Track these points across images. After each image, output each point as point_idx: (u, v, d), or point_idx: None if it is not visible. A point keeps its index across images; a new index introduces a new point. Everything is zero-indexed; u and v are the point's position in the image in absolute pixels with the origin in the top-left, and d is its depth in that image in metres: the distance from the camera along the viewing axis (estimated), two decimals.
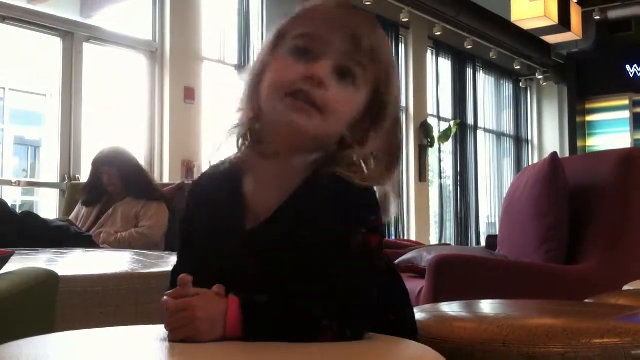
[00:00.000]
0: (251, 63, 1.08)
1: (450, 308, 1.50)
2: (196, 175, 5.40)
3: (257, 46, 6.54)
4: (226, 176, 1.06)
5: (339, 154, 1.00)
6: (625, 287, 2.06)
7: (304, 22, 1.03)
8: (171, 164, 5.51)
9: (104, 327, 1.06)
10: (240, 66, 6.40)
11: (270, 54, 1.03)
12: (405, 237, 7.97)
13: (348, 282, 0.96)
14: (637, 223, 2.62)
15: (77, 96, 5.18)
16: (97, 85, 5.50)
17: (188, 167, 5.54)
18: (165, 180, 5.24)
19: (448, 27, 8.49)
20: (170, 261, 2.32)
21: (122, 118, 5.72)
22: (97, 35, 5.38)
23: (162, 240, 3.44)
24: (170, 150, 5.53)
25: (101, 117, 5.61)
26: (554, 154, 2.85)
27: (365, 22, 1.06)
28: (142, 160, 4.50)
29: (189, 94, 5.63)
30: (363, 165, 1.00)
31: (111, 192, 3.54)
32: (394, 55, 7.99)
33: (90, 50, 5.35)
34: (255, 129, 1.04)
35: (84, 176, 4.49)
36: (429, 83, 8.82)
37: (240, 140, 1.06)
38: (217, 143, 1.09)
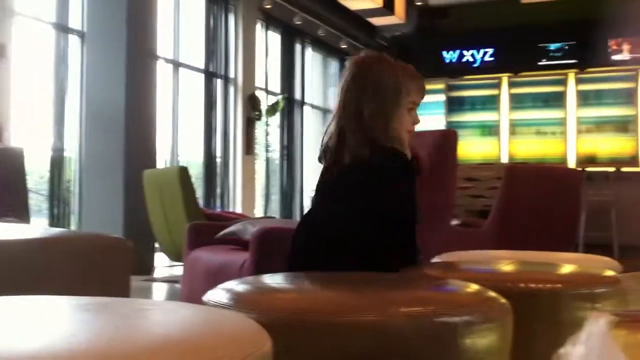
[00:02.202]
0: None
1: (272, 280, 1.52)
2: (7, 139, 5.01)
3: (77, 4, 6.17)
4: None
5: None
6: (434, 260, 2.20)
7: (412, 92, 2.06)
8: None
9: None
10: (59, 25, 6.02)
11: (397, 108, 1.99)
12: (231, 210, 7.98)
13: None
14: (446, 200, 2.80)
15: None
16: None
17: None
18: None
19: (278, 1, 8.53)
20: None
21: None
22: None
23: None
24: None
25: None
26: None
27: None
28: None
29: None
30: None
31: None
32: (232, 31, 7.97)
33: None
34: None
35: None
36: (258, 56, 8.83)
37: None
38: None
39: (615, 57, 9.82)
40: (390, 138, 1.91)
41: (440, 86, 10.60)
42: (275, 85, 9.34)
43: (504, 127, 10.53)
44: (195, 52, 7.79)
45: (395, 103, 1.94)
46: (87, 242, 1.80)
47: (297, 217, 9.42)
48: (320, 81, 10.80)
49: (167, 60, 7.27)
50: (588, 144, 10.01)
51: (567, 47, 10.09)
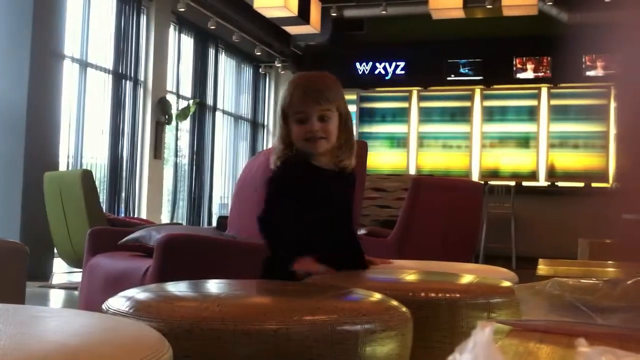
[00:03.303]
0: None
1: (176, 288, 1.50)
2: None
3: None
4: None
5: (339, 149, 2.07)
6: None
7: (295, 104, 2.02)
8: None
9: None
10: None
11: (285, 125, 2.05)
12: (136, 215, 7.80)
13: None
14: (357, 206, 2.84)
15: None
16: None
17: None
18: None
19: (192, 4, 8.44)
20: None
21: None
22: None
23: None
24: None
25: None
26: None
27: (324, 82, 2.08)
28: None
29: None
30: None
31: None
32: (143, 32, 7.81)
33: None
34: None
35: None
36: (169, 59, 8.70)
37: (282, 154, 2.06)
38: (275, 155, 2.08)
39: (520, 76, 10.23)
40: (295, 147, 2.06)
41: (353, 97, 10.74)
42: (187, 89, 9.23)
43: (412, 139, 10.77)
44: (104, 53, 7.60)
45: (284, 114, 2.05)
46: None
47: (206, 224, 9.31)
48: (234, 87, 10.75)
49: (74, 60, 7.06)
50: (491, 158, 10.38)
51: (474, 64, 10.44)
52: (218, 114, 10.03)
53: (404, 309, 1.41)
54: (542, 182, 9.99)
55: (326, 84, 2.08)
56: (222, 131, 10.31)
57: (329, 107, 2.01)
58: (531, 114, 10.21)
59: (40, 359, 0.79)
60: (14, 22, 5.88)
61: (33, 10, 5.85)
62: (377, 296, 1.47)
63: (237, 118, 10.75)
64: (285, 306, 1.31)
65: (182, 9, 8.30)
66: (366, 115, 11.05)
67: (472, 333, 0.51)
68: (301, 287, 1.64)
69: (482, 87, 10.47)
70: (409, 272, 2.00)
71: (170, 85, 8.73)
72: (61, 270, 5.83)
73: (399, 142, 10.87)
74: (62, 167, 6.54)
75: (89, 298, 3.15)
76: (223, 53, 10.19)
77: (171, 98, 8.63)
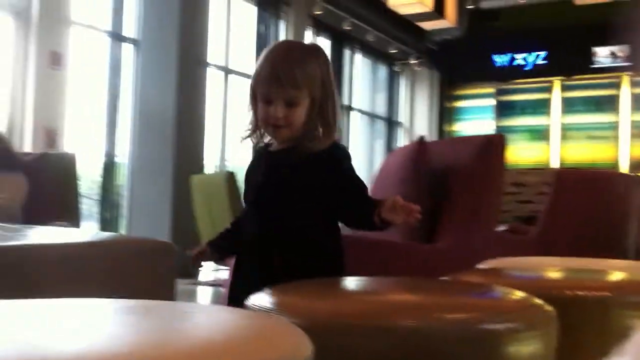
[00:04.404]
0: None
1: (313, 284, 1.53)
2: (60, 145, 5.17)
3: (132, 14, 6.32)
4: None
5: (305, 136, 1.77)
6: (479, 266, 2.17)
7: (262, 82, 1.74)
8: (33, 132, 5.23)
9: None
10: (114, 33, 6.17)
11: (254, 100, 1.79)
12: None
13: None
14: (492, 206, 2.77)
15: None
16: None
17: (51, 136, 5.28)
18: (27, 149, 4.97)
19: (328, 6, 8.55)
20: (28, 235, 2.21)
21: None
22: None
23: (20, 213, 3.28)
24: (32, 117, 5.25)
25: None
26: (421, 137, 2.95)
27: (297, 62, 1.74)
28: (1, 128, 4.24)
29: (55, 60, 5.36)
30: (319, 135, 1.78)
31: None
32: (282, 37, 8.00)
33: None
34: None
35: None
36: None
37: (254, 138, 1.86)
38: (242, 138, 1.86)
39: None
40: (261, 132, 1.85)
41: (490, 90, 10.47)
42: None
43: (554, 131, 10.34)
44: (245, 59, 7.87)
45: (252, 92, 1.79)
46: (134, 246, 1.84)
47: None
48: (369, 87, 10.79)
49: (217, 67, 7.36)
50: None
51: (620, 49, 9.86)
52: (354, 114, 10.11)
53: (548, 307, 1.35)
54: None
55: (300, 62, 1.75)
56: (358, 130, 10.38)
57: (296, 94, 1.73)
58: None
59: (186, 352, 0.83)
60: (162, 32, 6.22)
61: (179, 21, 6.17)
62: (519, 294, 1.42)
63: (372, 117, 10.78)
64: (424, 303, 1.29)
65: (319, 12, 8.43)
66: (505, 109, 10.73)
67: (630, 334, 0.48)
68: (441, 284, 1.62)
69: (630, 73, 9.87)
70: (553, 268, 1.92)
71: None
72: (208, 268, 6.09)
73: (540, 134, 10.47)
74: (209, 170, 6.84)
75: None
76: (358, 53, 10.25)
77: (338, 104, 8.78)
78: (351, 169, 1.80)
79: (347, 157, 1.81)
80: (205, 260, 1.93)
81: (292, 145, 1.78)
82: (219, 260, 1.91)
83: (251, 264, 1.80)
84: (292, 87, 1.72)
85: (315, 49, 1.84)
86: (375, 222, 1.67)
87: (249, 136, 1.85)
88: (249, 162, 1.92)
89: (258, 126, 1.82)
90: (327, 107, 1.79)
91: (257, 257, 1.78)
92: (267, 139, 1.86)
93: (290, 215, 1.76)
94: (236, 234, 1.93)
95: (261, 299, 1.32)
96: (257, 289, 1.37)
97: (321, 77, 1.78)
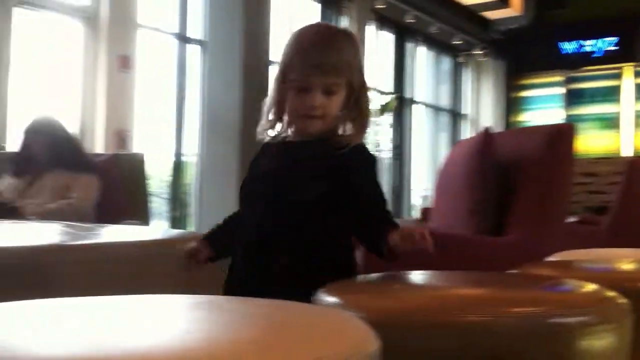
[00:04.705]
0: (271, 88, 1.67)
1: (379, 279, 1.52)
2: (130, 145, 5.31)
3: (196, 15, 6.43)
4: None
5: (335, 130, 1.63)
6: (549, 259, 2.13)
7: (296, 69, 1.58)
8: (105, 134, 5.39)
9: (32, 299, 1.04)
10: (180, 35, 6.29)
11: (282, 87, 1.62)
12: None
13: None
14: (561, 197, 2.71)
15: (4, 63, 4.99)
16: (28, 52, 5.32)
17: (121, 137, 5.43)
18: (98, 150, 5.13)
19: (391, 0, 8.51)
20: (100, 233, 2.28)
21: (54, 87, 5.55)
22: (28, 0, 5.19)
23: (93, 211, 3.38)
24: (104, 120, 5.41)
25: (32, 86, 5.43)
26: (487, 128, 2.91)
27: (336, 45, 1.60)
28: (74, 130, 4.39)
29: (124, 63, 5.50)
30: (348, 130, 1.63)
31: (41, 162, 3.44)
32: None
33: (20, 15, 5.16)
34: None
35: (10, 146, 4.35)
36: (370, 57, 8.84)
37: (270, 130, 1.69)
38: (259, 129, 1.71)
39: None
40: (288, 124, 1.67)
41: (558, 79, 10.23)
42: (386, 84, 9.32)
43: (625, 119, 10.01)
44: None
45: (280, 81, 1.62)
46: None
47: (406, 216, 9.36)
48: (432, 79, 10.68)
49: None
50: None
51: None
52: (417, 107, 10.03)
53: (622, 299, 1.31)
54: None
55: (339, 46, 1.61)
56: (422, 123, 10.29)
57: (336, 81, 1.58)
58: None
59: (252, 346, 0.84)
60: (227, 33, 6.32)
61: (243, 22, 6.25)
62: (591, 286, 1.38)
63: (436, 109, 10.66)
64: (492, 297, 1.28)
65: (381, 6, 8.39)
66: (574, 97, 10.46)
67: None
68: (507, 278, 1.60)
69: None
70: (626, 260, 1.86)
71: (370, 82, 8.85)
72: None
73: (611, 122, 10.16)
74: None
75: None
76: (421, 45, 10.15)
77: (371, 94, 8.76)
78: (376, 176, 1.63)
79: (375, 162, 1.64)
80: (201, 257, 1.69)
81: (320, 138, 1.61)
82: (215, 260, 1.70)
83: (249, 264, 1.61)
84: (333, 73, 1.57)
85: (349, 32, 1.70)
86: (381, 248, 1.45)
87: (269, 128, 1.68)
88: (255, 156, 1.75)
89: (281, 118, 1.66)
90: (364, 95, 1.65)
91: (258, 257, 1.59)
92: (276, 132, 1.70)
93: (302, 214, 1.56)
94: (230, 232, 1.72)
95: (326, 294, 1.33)
96: (255, 289, 1.28)
97: (357, 63, 1.64)
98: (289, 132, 1.67)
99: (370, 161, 1.63)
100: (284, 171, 1.62)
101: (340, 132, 1.64)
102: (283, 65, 1.62)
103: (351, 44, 1.64)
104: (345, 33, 1.68)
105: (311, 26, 1.68)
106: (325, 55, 1.57)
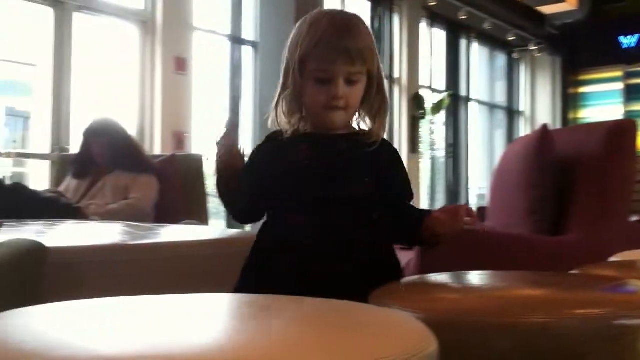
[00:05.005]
0: (283, 79, 1.57)
1: (437, 280, 1.51)
2: (188, 146, 5.40)
3: (250, 17, 6.49)
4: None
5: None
6: (612, 259, 2.08)
7: (317, 58, 1.47)
8: (162, 136, 5.49)
9: (95, 298, 1.07)
10: (234, 37, 6.36)
11: (301, 79, 1.51)
12: None
13: None
14: (623, 195, 2.64)
15: (67, 67, 5.14)
16: (88, 56, 5.45)
17: (179, 138, 5.52)
18: (156, 151, 5.22)
19: None
20: (160, 233, 2.33)
21: (113, 89, 5.68)
22: (87, 5, 5.32)
23: (152, 211, 3.44)
24: (161, 121, 5.51)
25: (92, 88, 5.56)
26: (544, 125, 2.86)
27: (357, 31, 1.50)
28: (132, 132, 4.48)
29: (181, 65, 5.59)
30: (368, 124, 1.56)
31: (101, 163, 3.53)
32: (396, 31, 7.94)
33: (80, 20, 5.29)
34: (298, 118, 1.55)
35: (74, 148, 4.47)
36: (422, 54, 8.78)
37: (288, 124, 1.56)
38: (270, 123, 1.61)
39: None
40: (305, 118, 1.54)
41: (617, 74, 9.96)
42: (440, 82, 9.24)
43: None
44: None
45: (297, 72, 1.51)
46: None
47: None
48: (487, 76, 10.54)
49: None
50: None
51: None
52: (472, 104, 9.91)
53: None
54: None
55: (361, 35, 1.51)
56: (477, 121, 10.17)
57: (358, 69, 1.48)
58: None
59: (310, 346, 0.84)
60: (279, 34, 6.33)
61: (295, 22, 6.27)
62: None
63: (491, 107, 10.52)
64: (553, 299, 1.25)
65: (433, 3, 8.33)
66: (634, 92, 10.17)
67: None
68: (569, 279, 1.57)
69: None
70: None
71: (423, 80, 8.80)
72: None
73: None
74: None
75: None
76: (475, 42, 10.03)
77: (425, 93, 8.70)
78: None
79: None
80: (230, 143, 1.59)
81: (348, 131, 1.55)
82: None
83: (301, 267, 1.46)
84: (359, 60, 1.47)
85: (360, 17, 1.58)
86: (422, 235, 1.49)
87: (288, 123, 1.56)
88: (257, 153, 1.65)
89: (299, 110, 1.53)
90: (383, 85, 1.55)
91: (314, 263, 1.46)
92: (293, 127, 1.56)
93: (352, 212, 1.49)
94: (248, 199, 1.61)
95: (382, 295, 1.32)
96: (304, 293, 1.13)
97: (375, 49, 1.53)
98: (304, 125, 1.55)
99: (399, 156, 1.65)
100: (328, 166, 1.51)
101: (354, 124, 1.57)
102: (302, 55, 1.49)
103: (367, 29, 1.55)
104: (358, 17, 1.57)
105: (324, 13, 1.56)
106: (349, 41, 1.47)
